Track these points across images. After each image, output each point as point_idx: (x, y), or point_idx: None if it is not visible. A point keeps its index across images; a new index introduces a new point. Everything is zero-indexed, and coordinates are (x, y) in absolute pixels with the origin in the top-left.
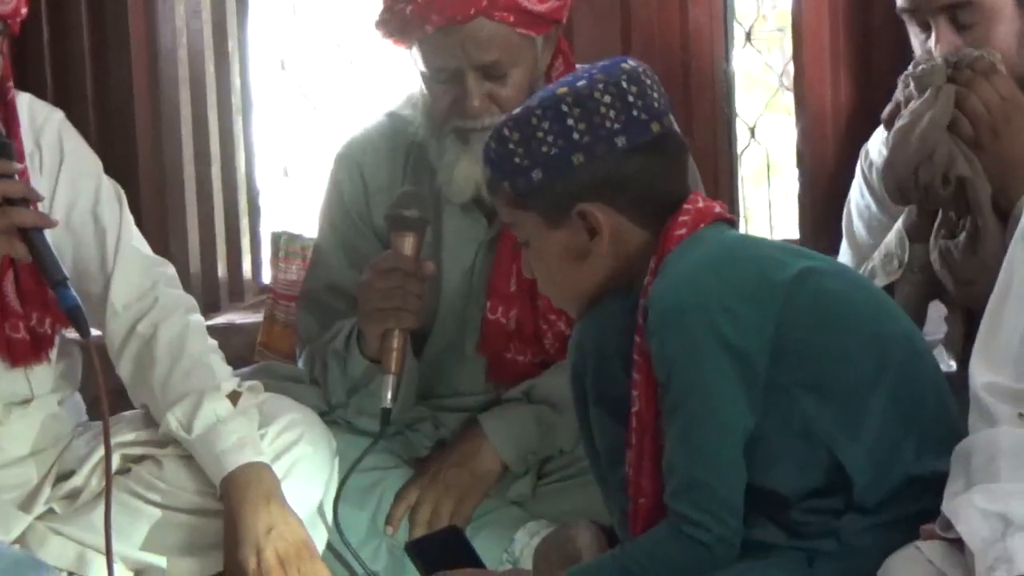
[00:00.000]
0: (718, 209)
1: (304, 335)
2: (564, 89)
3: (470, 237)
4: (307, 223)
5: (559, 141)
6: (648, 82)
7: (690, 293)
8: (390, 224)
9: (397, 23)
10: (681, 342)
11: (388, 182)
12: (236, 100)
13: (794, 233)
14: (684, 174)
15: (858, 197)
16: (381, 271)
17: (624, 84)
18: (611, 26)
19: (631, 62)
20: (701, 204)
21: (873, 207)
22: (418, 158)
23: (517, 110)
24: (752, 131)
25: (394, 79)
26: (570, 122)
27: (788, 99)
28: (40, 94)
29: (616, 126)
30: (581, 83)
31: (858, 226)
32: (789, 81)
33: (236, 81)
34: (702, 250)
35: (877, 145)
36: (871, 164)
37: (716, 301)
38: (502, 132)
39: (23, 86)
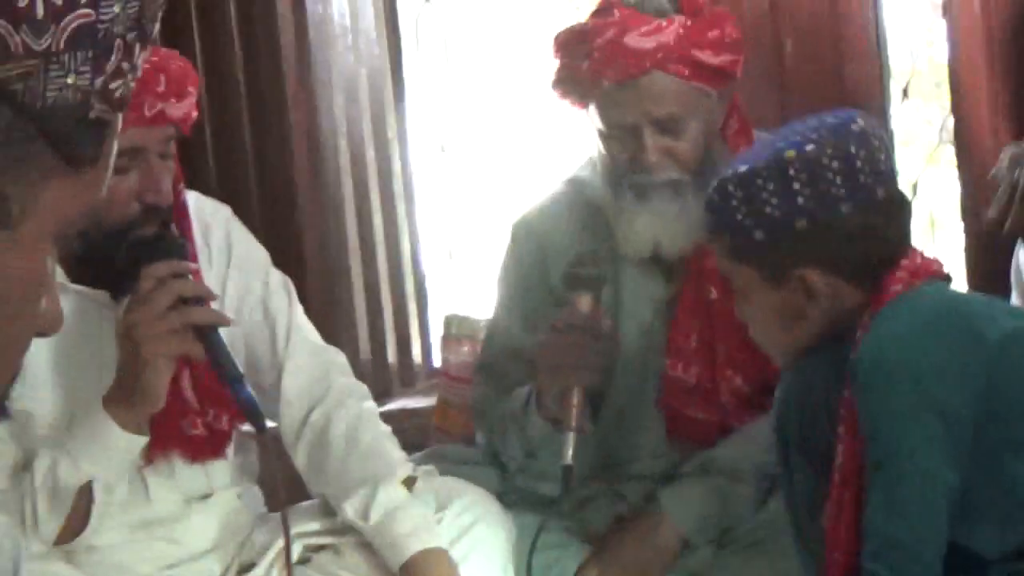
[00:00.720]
0: (934, 266)
1: (481, 405)
2: (792, 153)
3: (648, 295)
4: (475, 305)
5: (783, 205)
6: (876, 144)
7: (901, 350)
8: (567, 284)
9: (572, 81)
10: (889, 399)
11: (566, 246)
12: (398, 185)
13: (961, 288)
14: (905, 233)
15: None
16: (559, 329)
17: (852, 149)
18: (769, 84)
19: (860, 122)
20: (919, 261)
21: None
22: (596, 218)
23: (743, 166)
24: (914, 188)
25: (556, 156)
26: (796, 186)
27: (949, 152)
28: (205, 189)
29: (842, 192)
30: (809, 147)
31: None
32: (949, 135)
33: (397, 166)
34: (914, 307)
35: None
36: None
37: (926, 359)
38: (726, 187)
39: (189, 184)
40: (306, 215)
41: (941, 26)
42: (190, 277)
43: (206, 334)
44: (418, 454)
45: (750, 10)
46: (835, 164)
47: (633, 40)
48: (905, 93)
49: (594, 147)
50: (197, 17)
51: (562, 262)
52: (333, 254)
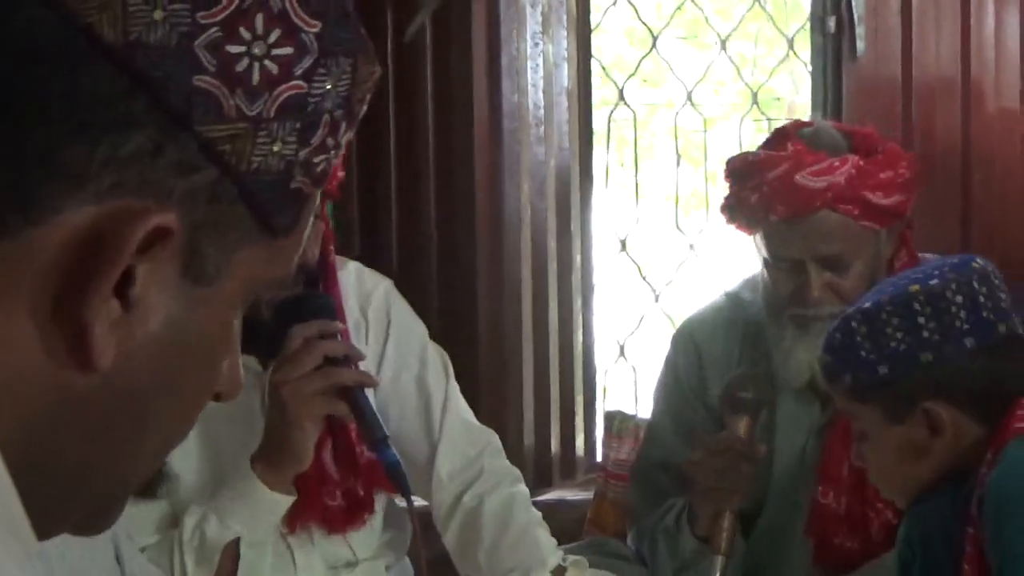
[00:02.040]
0: None
1: (634, 509)
2: (916, 287)
3: (803, 421)
4: (641, 404)
5: (908, 339)
6: (996, 282)
7: None
8: (725, 405)
9: (741, 210)
10: (1017, 529)
11: (723, 359)
12: (576, 279)
13: None
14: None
15: None
16: (715, 451)
17: (975, 284)
18: (951, 220)
19: (980, 261)
20: None
21: None
22: (755, 339)
23: (867, 304)
24: None
25: (732, 264)
26: (921, 320)
27: None
28: (387, 268)
29: (966, 327)
30: (934, 282)
31: None
32: None
33: (577, 259)
34: None
35: None
36: None
37: None
38: (850, 324)
39: (371, 262)
40: (484, 300)
41: None
42: (339, 337)
43: (353, 395)
44: (575, 544)
45: (941, 138)
46: (959, 299)
47: (804, 179)
48: None
49: (758, 269)
50: (394, 96)
51: (719, 375)
52: (507, 340)
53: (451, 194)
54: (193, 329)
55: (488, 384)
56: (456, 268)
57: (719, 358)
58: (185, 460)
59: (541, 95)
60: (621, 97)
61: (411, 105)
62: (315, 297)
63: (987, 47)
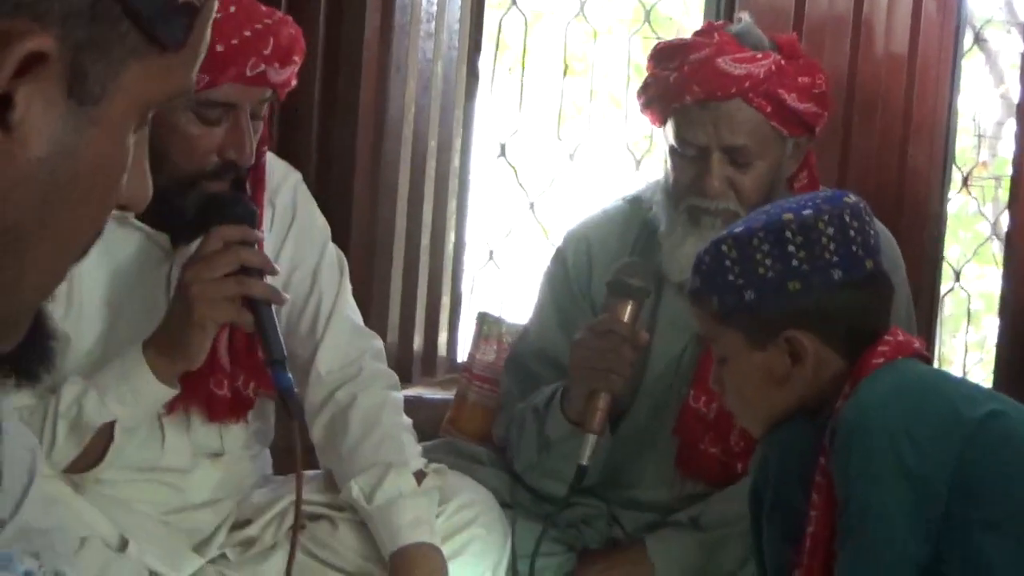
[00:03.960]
0: (916, 345)
1: (504, 398)
2: (789, 216)
3: (684, 323)
4: (508, 310)
5: (777, 265)
6: (867, 219)
7: (878, 417)
8: (611, 290)
9: (658, 89)
10: (864, 463)
11: (614, 260)
12: (453, 181)
13: (986, 383)
14: (888, 311)
15: None
16: (597, 332)
17: (847, 219)
18: (830, 155)
19: (853, 197)
20: (900, 338)
21: None
22: (648, 238)
23: (738, 228)
24: (957, 275)
25: (609, 177)
26: (791, 248)
27: (996, 248)
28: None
29: (835, 259)
30: (807, 212)
31: None
32: (1000, 231)
33: (455, 162)
34: (895, 378)
35: None
36: None
37: (903, 428)
38: (720, 248)
39: None
40: (360, 193)
41: (1011, 125)
42: (256, 247)
43: (259, 308)
44: (430, 443)
45: (827, 74)
46: (830, 231)
47: (724, 63)
48: (965, 182)
49: (662, 166)
50: None
51: (608, 272)
52: (379, 236)
53: (336, 85)
54: (83, 153)
55: (357, 277)
56: (335, 160)
57: (611, 258)
58: (81, 324)
59: None
60: (513, 1)
61: None
62: (242, 202)
63: None
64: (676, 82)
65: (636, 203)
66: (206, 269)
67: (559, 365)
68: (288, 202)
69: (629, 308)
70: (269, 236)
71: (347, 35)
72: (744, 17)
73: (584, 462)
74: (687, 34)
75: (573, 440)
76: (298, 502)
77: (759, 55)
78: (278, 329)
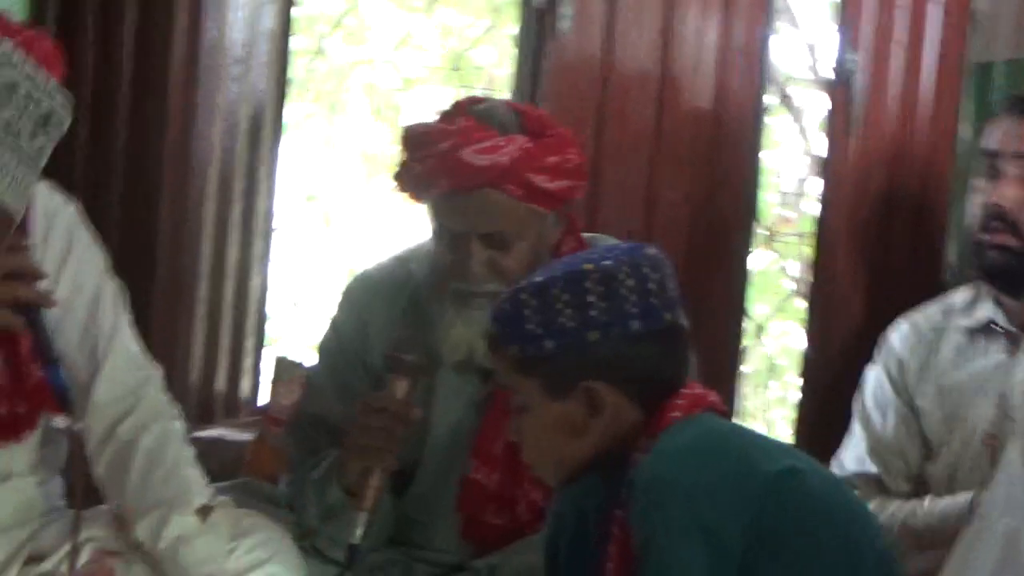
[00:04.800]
0: (712, 398)
1: (290, 459)
2: (590, 266)
3: (463, 394)
4: (310, 354)
5: (577, 316)
6: (667, 271)
7: (674, 471)
8: (388, 365)
9: (408, 180)
10: (659, 517)
11: (387, 321)
12: (259, 223)
13: (787, 438)
14: (685, 364)
15: (876, 389)
16: (371, 409)
17: (646, 271)
18: (634, 207)
19: (652, 249)
20: (697, 391)
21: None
22: (417, 308)
23: (539, 277)
24: (759, 330)
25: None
26: (591, 299)
27: (799, 304)
28: (67, 181)
29: (634, 310)
30: (607, 262)
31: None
32: (803, 288)
33: (262, 205)
34: (693, 433)
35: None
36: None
37: (699, 483)
38: (519, 296)
39: (52, 173)
40: (165, 232)
41: (816, 182)
42: (23, 253)
43: (29, 312)
44: (228, 483)
45: (633, 128)
46: (630, 282)
47: (469, 155)
48: (770, 237)
49: (429, 239)
50: (93, 16)
51: (380, 340)
52: (183, 274)
53: (143, 125)
54: None
55: (161, 317)
56: (140, 200)
57: (382, 320)
58: None
59: (240, 35)
60: (320, 49)
61: (110, 31)
62: None
63: (687, 47)
64: (424, 174)
65: (405, 264)
66: None
67: (335, 431)
68: (64, 232)
69: (404, 385)
70: (44, 260)
71: (153, 75)
72: (489, 99)
73: (355, 541)
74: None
75: (350, 512)
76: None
77: (503, 142)
78: (48, 334)
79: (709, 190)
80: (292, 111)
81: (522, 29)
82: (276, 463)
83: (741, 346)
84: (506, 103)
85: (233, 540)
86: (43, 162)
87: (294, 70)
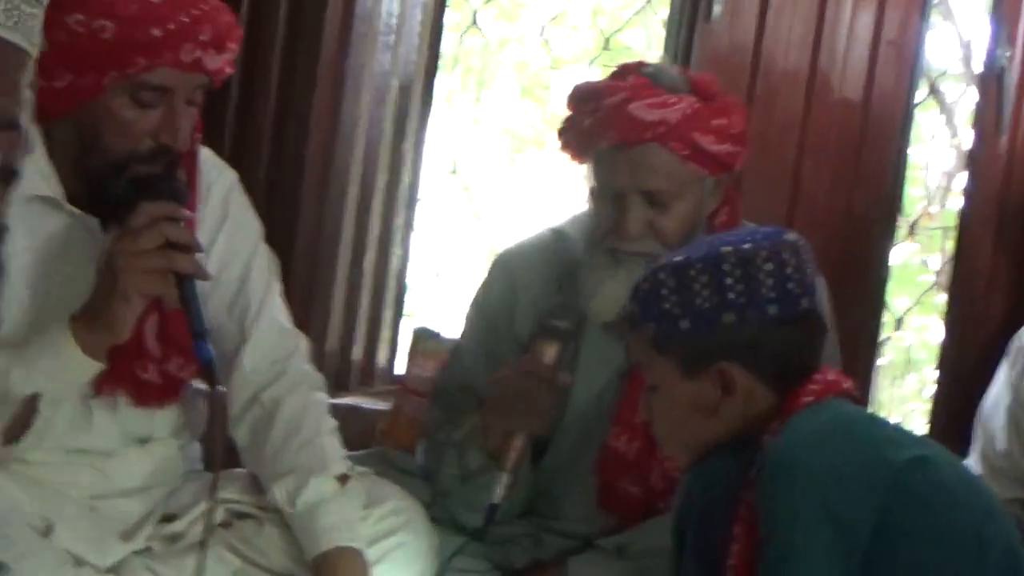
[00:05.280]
0: (846, 385)
1: (426, 427)
2: (728, 248)
3: (607, 361)
4: (449, 326)
5: (714, 297)
6: (805, 258)
7: (805, 456)
8: (538, 331)
9: (575, 133)
10: (787, 502)
11: (538, 292)
12: (403, 195)
13: (922, 432)
14: (820, 350)
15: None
16: (519, 372)
17: (785, 256)
18: (778, 197)
19: (793, 235)
20: (831, 377)
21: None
22: (572, 276)
23: (677, 257)
24: (898, 323)
25: (558, 203)
26: (728, 281)
27: (939, 299)
28: (218, 149)
29: (771, 294)
30: (746, 246)
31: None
32: (944, 282)
33: (406, 177)
34: (824, 418)
35: None
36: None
37: (828, 468)
38: (657, 276)
39: (204, 140)
40: (308, 199)
41: (962, 177)
42: (183, 224)
43: (184, 283)
44: (363, 452)
45: (781, 117)
46: (768, 266)
47: (638, 109)
48: (911, 231)
49: (585, 203)
50: None
51: (531, 311)
52: (325, 243)
53: (291, 92)
54: None
55: (300, 284)
56: (285, 166)
57: (534, 290)
58: (10, 305)
59: (395, 4)
60: (474, 22)
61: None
62: (172, 180)
63: (839, 38)
64: (591, 127)
65: (560, 235)
66: (132, 242)
67: (481, 399)
68: (222, 200)
69: (553, 349)
70: (201, 228)
71: (305, 41)
72: (659, 62)
73: (496, 500)
74: None
75: (489, 475)
76: (215, 479)
77: (673, 99)
78: (200, 304)
79: (853, 183)
80: (441, 84)
81: (672, 13)
82: (411, 433)
83: (879, 338)
84: (675, 66)
85: (366, 508)
86: None
87: (445, 44)
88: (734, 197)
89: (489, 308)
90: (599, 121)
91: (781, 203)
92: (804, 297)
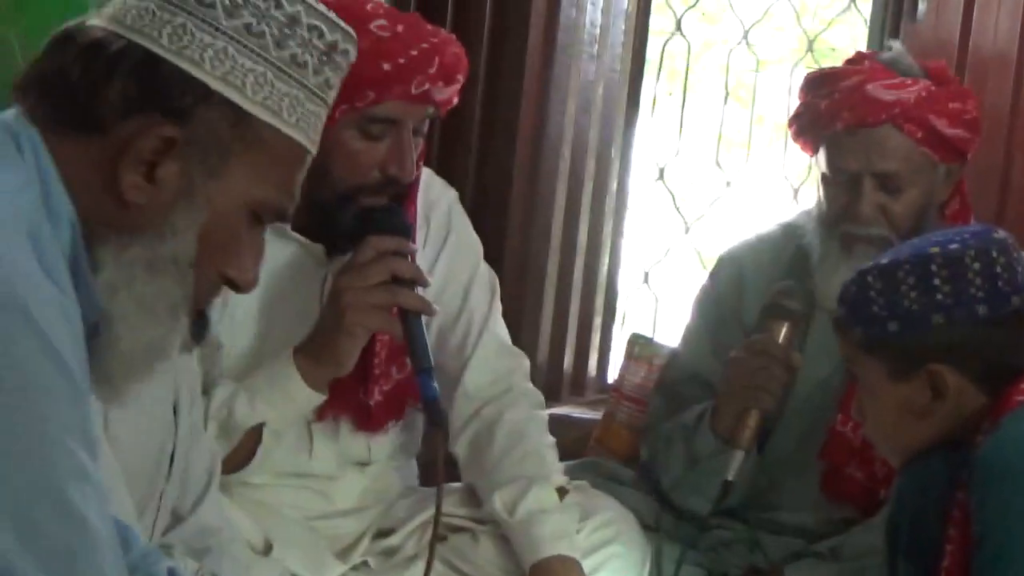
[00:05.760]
0: None
1: (652, 418)
2: (936, 249)
3: (834, 348)
4: (660, 332)
5: (922, 299)
6: (1015, 255)
7: (1017, 456)
8: (769, 311)
9: (809, 117)
10: (1002, 503)
11: (765, 285)
12: (610, 202)
13: None
14: None
15: None
16: (752, 351)
17: (994, 254)
18: (989, 190)
19: (1002, 233)
20: None
21: None
22: (801, 264)
23: (884, 260)
24: None
25: (766, 206)
26: (936, 282)
27: None
28: (425, 165)
29: (980, 294)
30: (953, 246)
31: None
32: None
33: (613, 184)
34: None
35: None
36: None
37: None
38: (866, 278)
39: None
40: (516, 212)
41: None
42: (409, 259)
43: (408, 318)
44: (575, 461)
45: (990, 111)
46: (976, 266)
47: (875, 89)
48: None
49: (815, 195)
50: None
51: (758, 298)
52: (533, 255)
53: (497, 104)
54: None
55: (510, 296)
56: (492, 178)
57: (762, 283)
58: (236, 334)
59: (599, 14)
60: (678, 27)
61: (469, 10)
62: (398, 213)
63: None
64: (827, 109)
65: (790, 229)
66: (358, 277)
67: (710, 387)
68: (444, 219)
69: (785, 329)
70: (423, 251)
71: (509, 54)
72: (895, 45)
73: (731, 477)
74: None
75: (721, 457)
76: (438, 511)
77: (909, 81)
78: (426, 339)
79: None
80: (647, 90)
81: (876, 9)
82: (624, 441)
83: None
84: (909, 54)
85: (580, 519)
86: (332, 96)
87: (649, 50)
88: (964, 189)
89: (718, 299)
90: (835, 103)
91: (992, 198)
92: (1014, 295)
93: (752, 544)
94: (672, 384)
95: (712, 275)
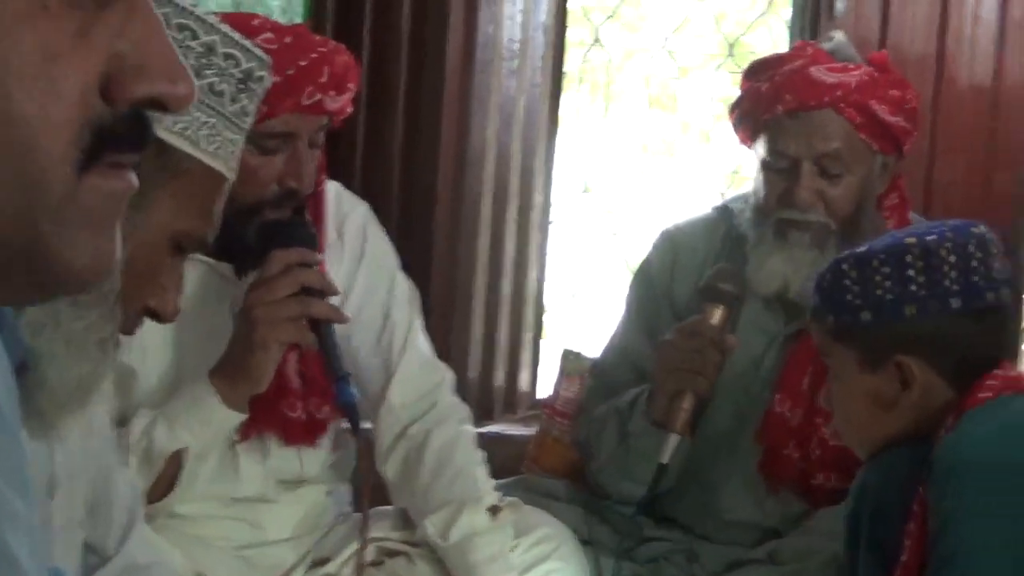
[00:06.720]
0: None
1: (586, 401)
2: (912, 239)
3: (765, 329)
4: (589, 345)
5: (896, 289)
6: (993, 251)
7: (980, 453)
8: (703, 295)
9: (750, 102)
10: (960, 499)
11: (699, 267)
12: (536, 217)
13: None
14: (1004, 344)
15: None
16: (686, 333)
17: (971, 248)
18: (912, 188)
19: (982, 228)
20: (1012, 374)
21: None
22: (734, 249)
23: (860, 249)
24: None
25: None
26: (911, 273)
27: None
28: (348, 184)
29: (955, 287)
30: (930, 238)
31: None
32: None
33: (538, 198)
34: (1002, 415)
35: None
36: None
37: (1006, 464)
38: (840, 266)
39: (334, 175)
40: (442, 228)
41: None
42: (316, 268)
43: (321, 328)
44: (508, 480)
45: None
46: (952, 258)
47: (817, 72)
48: None
49: (752, 183)
50: (370, 15)
51: (690, 282)
52: (461, 271)
53: (417, 122)
54: None
55: (438, 313)
56: (417, 195)
57: (694, 263)
58: (148, 360)
59: (518, 29)
60: (596, 39)
61: (386, 29)
62: (301, 226)
63: (965, 24)
64: (768, 92)
65: (724, 212)
66: (267, 292)
67: (641, 370)
68: (358, 232)
69: (720, 312)
70: (341, 266)
71: (429, 72)
72: (836, 35)
73: (665, 460)
74: None
75: (654, 440)
76: (365, 519)
77: (851, 67)
78: (339, 348)
79: (988, 171)
80: (567, 103)
81: (795, 10)
82: (559, 457)
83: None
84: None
85: (516, 536)
86: (248, 123)
87: (569, 62)
88: (902, 183)
89: (649, 280)
90: (777, 85)
91: (916, 194)
92: (990, 291)
93: (690, 554)
94: (605, 366)
95: (647, 256)
